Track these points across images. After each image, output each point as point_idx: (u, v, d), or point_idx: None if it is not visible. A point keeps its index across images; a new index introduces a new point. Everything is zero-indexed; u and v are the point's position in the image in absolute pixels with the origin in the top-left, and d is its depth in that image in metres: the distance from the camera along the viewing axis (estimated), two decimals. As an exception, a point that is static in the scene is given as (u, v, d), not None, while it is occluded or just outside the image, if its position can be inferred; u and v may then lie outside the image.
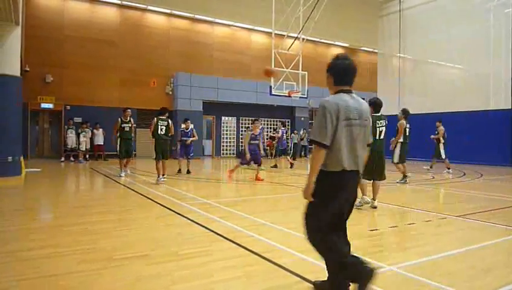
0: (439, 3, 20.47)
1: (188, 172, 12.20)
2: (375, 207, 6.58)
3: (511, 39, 17.15)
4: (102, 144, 18.09)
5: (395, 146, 9.97)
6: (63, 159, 17.19)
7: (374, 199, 6.69)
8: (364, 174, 6.69)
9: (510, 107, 17.09)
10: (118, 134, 11.15)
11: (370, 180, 6.77)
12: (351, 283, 2.82)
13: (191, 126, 12.74)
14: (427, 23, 20.97)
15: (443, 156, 13.24)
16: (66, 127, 17.63)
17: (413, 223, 5.55)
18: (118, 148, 11.24)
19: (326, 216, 2.79)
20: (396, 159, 10.00)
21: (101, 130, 18.04)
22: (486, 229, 5.30)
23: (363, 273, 2.70)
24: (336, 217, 2.85)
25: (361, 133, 2.82)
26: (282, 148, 15.87)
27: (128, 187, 9.06)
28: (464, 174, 13.36)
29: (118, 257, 3.79)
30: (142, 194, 7.88)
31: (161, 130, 9.95)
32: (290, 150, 17.33)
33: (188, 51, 21.43)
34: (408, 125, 10.21)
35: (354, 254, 2.86)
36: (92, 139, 17.90)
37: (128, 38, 19.92)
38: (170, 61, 20.86)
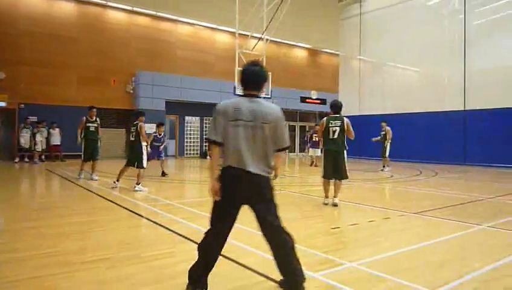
0: (397, 8, 21.26)
1: (163, 174, 11.52)
2: (335, 205, 6.75)
3: (464, 44, 18.09)
4: (59, 144, 17.40)
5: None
6: (17, 160, 16.39)
7: (334, 196, 6.87)
8: (323, 173, 6.91)
9: (463, 109, 18.02)
10: (82, 134, 10.40)
11: (329, 179, 6.99)
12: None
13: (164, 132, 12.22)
14: (385, 26, 21.71)
15: (386, 154, 14.38)
16: (22, 125, 16.78)
17: (373, 221, 5.73)
18: (82, 150, 10.52)
19: (214, 209, 3.02)
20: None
21: (57, 129, 17.32)
22: (441, 225, 5.57)
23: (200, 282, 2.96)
24: (222, 212, 2.98)
25: (257, 134, 2.87)
26: None
27: (88, 189, 8.77)
28: (420, 172, 13.95)
29: (78, 261, 3.67)
30: (102, 197, 7.65)
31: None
32: None
33: (150, 48, 21.01)
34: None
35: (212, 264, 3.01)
36: (48, 139, 17.17)
37: (88, 34, 19.25)
38: (131, 59, 20.37)
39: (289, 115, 27.11)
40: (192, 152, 23.19)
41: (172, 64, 21.66)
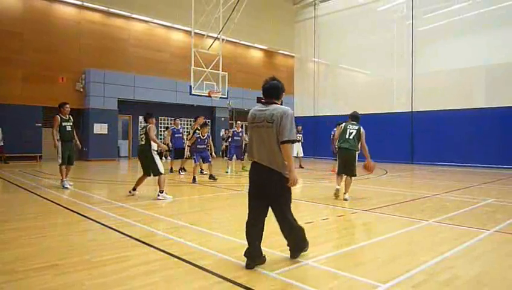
0: (349, 12, 21.97)
1: (212, 177, 10.95)
2: (346, 199, 7.41)
3: (411, 48, 19.02)
4: (1, 144, 16.34)
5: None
6: (-47, 162, 15.22)
7: (345, 192, 7.55)
8: (337, 169, 7.70)
9: (410, 110, 18.93)
10: (58, 135, 9.04)
11: (340, 174, 7.83)
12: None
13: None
14: (339, 30, 22.36)
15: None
16: None
17: (327, 219, 5.86)
18: (60, 153, 9.06)
19: (248, 197, 3.72)
20: None
21: None
22: (391, 221, 5.80)
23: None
24: (251, 200, 3.68)
25: (265, 133, 3.53)
26: None
27: (34, 193, 8.28)
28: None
29: (22, 269, 3.44)
30: (49, 200, 7.26)
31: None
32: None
33: (102, 45, 20.22)
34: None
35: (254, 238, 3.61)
36: (-11, 140, 16.08)
37: (33, 29, 18.16)
38: (81, 56, 19.49)
39: (245, 115, 27.17)
40: (146, 153, 22.60)
41: (125, 62, 20.97)
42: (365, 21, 21.02)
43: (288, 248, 3.84)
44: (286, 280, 3.25)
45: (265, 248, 4.13)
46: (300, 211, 6.58)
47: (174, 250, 4.06)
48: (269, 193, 3.58)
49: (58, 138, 9.04)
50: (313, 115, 23.30)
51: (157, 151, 7.94)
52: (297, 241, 3.80)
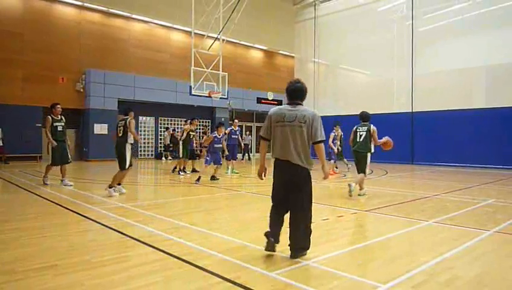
0: (350, 13, 21.98)
1: (213, 178, 10.94)
2: (359, 195, 7.99)
3: (411, 48, 19.01)
4: (1, 145, 16.35)
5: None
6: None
7: (360, 188, 8.12)
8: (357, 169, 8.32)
9: (411, 110, 18.93)
10: (51, 136, 9.20)
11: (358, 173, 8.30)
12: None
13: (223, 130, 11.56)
14: (339, 30, 22.37)
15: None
16: None
17: (327, 219, 5.86)
18: (50, 153, 9.29)
19: (272, 191, 4.05)
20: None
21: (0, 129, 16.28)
22: (391, 221, 5.80)
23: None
24: (277, 192, 3.99)
25: (296, 132, 3.78)
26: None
27: (34, 193, 8.28)
28: (372, 171, 14.47)
29: (22, 269, 3.44)
30: (49, 200, 7.26)
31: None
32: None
33: (102, 46, 20.23)
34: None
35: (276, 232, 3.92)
36: (-11, 140, 16.09)
37: (34, 30, 18.18)
38: (82, 57, 19.51)
39: (245, 115, 27.19)
40: (146, 153, 22.64)
41: (125, 62, 20.98)
42: (365, 21, 21.03)
43: (288, 247, 3.84)
44: (286, 280, 3.24)
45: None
46: (301, 211, 6.57)
47: (174, 250, 4.05)
48: (296, 186, 3.82)
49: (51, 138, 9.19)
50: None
51: (131, 144, 8.44)
52: (301, 240, 3.85)
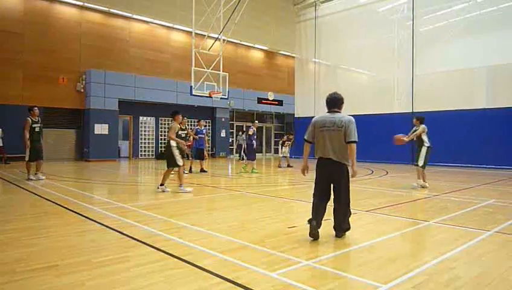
0: (350, 13, 21.96)
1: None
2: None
3: (412, 49, 19.00)
4: (1, 145, 16.35)
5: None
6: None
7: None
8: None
9: (411, 111, 18.91)
10: (29, 135, 10.17)
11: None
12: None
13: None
14: (340, 31, 22.34)
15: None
16: None
17: (327, 219, 5.85)
18: (28, 151, 10.25)
19: (315, 185, 4.79)
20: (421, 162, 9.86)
21: (0, 130, 16.28)
22: (392, 222, 5.80)
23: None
24: (320, 184, 4.74)
25: (335, 135, 4.55)
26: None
27: (34, 193, 8.29)
28: (372, 172, 14.48)
29: (22, 270, 3.45)
30: (50, 200, 7.26)
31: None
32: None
33: (103, 46, 20.25)
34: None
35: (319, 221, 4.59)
36: (-10, 141, 16.13)
37: (34, 30, 18.21)
38: (82, 57, 19.54)
39: (246, 115, 27.20)
40: (147, 153, 22.65)
41: (126, 62, 21.01)
42: (366, 22, 21.01)
43: (288, 246, 3.86)
44: (286, 280, 3.24)
45: (266, 248, 4.14)
46: (300, 211, 6.57)
47: (174, 250, 4.06)
48: (336, 179, 4.64)
49: (29, 137, 10.14)
50: (313, 115, 23.20)
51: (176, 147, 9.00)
52: (342, 221, 4.68)
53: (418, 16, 19.02)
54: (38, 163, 10.51)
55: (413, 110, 18.85)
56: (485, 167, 16.01)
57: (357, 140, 4.52)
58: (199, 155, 13.45)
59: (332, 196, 4.74)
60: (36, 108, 10.56)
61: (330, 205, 4.82)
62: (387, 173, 14.14)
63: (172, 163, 8.56)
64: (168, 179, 8.83)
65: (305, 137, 4.79)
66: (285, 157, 16.83)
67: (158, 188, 8.61)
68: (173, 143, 8.47)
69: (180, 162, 8.52)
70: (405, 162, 18.39)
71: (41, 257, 3.83)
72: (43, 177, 10.48)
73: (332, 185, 4.69)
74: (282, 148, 17.11)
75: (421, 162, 9.64)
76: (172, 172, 8.88)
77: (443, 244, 4.49)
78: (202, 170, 13.41)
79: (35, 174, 10.41)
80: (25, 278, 3.25)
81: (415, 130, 10.16)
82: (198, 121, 14.53)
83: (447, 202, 7.58)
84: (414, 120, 12.17)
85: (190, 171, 13.11)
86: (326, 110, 4.80)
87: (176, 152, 8.50)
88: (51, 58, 18.62)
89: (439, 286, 3.19)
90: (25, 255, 3.89)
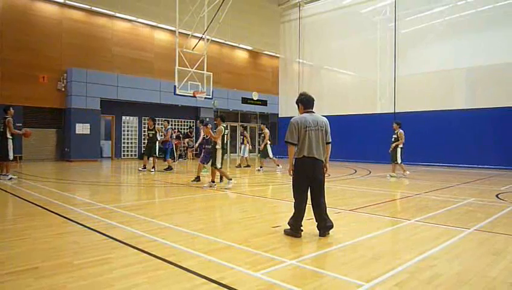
0: (334, 14, 22.15)
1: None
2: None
3: (394, 50, 19.28)
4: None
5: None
6: None
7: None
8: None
9: (393, 111, 19.19)
10: (9, 134, 10.51)
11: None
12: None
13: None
14: (324, 31, 22.52)
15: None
16: None
17: (311, 219, 5.88)
18: (7, 150, 10.45)
19: (298, 185, 4.83)
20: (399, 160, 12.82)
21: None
22: (375, 221, 5.87)
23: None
24: (303, 184, 4.78)
25: (318, 134, 4.75)
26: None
27: (12, 194, 8.10)
28: (355, 171, 14.64)
29: (2, 272, 3.36)
30: (30, 201, 7.10)
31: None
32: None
33: (84, 44, 19.90)
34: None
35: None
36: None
37: (14, 27, 17.75)
38: (63, 55, 19.17)
39: (230, 115, 27.14)
40: (129, 153, 22.38)
41: (108, 61, 20.70)
42: (349, 23, 21.22)
43: (280, 244, 3.85)
44: (271, 280, 3.25)
45: (250, 248, 4.14)
46: (283, 211, 6.58)
47: (158, 251, 4.02)
48: (318, 176, 4.75)
49: (10, 136, 10.43)
50: (297, 115, 23.39)
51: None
52: (327, 218, 4.77)
53: (400, 18, 19.31)
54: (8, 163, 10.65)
55: (396, 111, 19.14)
56: (465, 166, 16.36)
57: (331, 140, 4.93)
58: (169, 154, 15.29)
59: (311, 195, 4.85)
60: (11, 108, 10.85)
61: (309, 204, 4.84)
62: (370, 172, 14.32)
63: (214, 162, 9.43)
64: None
65: (289, 140, 4.75)
66: (245, 157, 16.65)
67: (203, 187, 9.44)
68: (218, 145, 9.30)
69: (219, 164, 9.35)
70: (387, 161, 18.64)
71: (21, 260, 3.74)
72: (14, 176, 10.64)
73: (312, 184, 4.77)
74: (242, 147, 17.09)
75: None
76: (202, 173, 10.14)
77: (424, 242, 4.57)
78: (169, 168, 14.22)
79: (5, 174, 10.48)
80: (4, 282, 3.17)
81: (396, 135, 12.98)
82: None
83: (428, 201, 7.72)
84: (394, 125, 12.93)
85: (152, 169, 13.66)
86: (303, 110, 4.95)
87: (219, 153, 9.29)
88: (31, 57, 18.21)
89: (421, 283, 3.24)
90: (4, 258, 3.80)
